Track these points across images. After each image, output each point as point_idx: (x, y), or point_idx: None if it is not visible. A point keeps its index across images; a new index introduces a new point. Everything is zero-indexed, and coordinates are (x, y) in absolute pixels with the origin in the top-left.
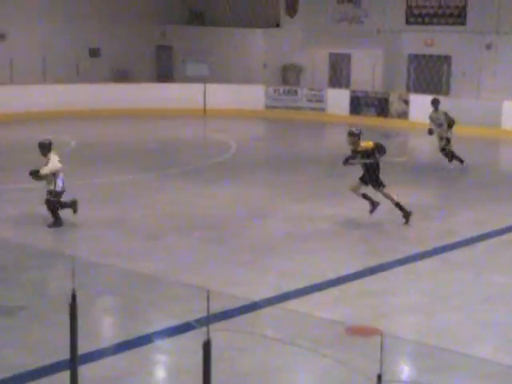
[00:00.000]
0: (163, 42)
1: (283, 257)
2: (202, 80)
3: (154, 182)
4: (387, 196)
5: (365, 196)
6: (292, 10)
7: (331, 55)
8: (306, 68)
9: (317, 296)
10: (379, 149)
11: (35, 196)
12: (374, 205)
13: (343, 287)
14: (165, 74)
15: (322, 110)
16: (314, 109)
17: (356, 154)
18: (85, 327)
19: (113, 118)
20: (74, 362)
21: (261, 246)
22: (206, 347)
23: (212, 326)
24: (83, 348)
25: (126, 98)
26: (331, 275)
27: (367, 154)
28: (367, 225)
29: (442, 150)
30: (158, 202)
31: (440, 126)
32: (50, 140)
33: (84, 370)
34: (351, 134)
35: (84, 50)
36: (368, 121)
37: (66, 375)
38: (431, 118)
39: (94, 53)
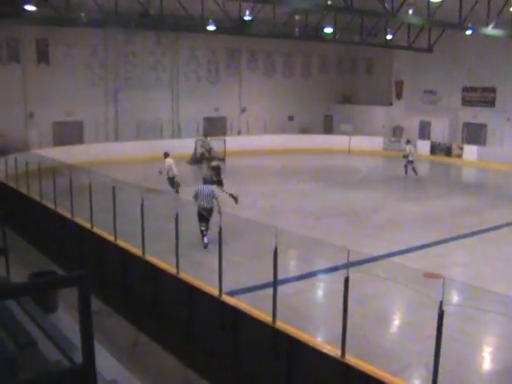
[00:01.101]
0: (328, 113)
1: (389, 232)
2: (349, 134)
3: (319, 188)
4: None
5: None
6: (399, 95)
7: (421, 121)
8: (406, 128)
9: (409, 255)
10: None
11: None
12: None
13: (423, 251)
14: (328, 130)
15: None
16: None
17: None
18: (280, 265)
19: (298, 153)
20: (275, 284)
21: (377, 226)
22: (346, 282)
23: (350, 269)
24: (280, 276)
25: (306, 143)
26: (416, 243)
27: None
28: (430, 215)
29: (405, 166)
30: (323, 199)
31: (407, 156)
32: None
33: (280, 288)
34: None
35: (285, 116)
36: (439, 159)
37: (270, 291)
38: (408, 149)
39: (291, 118)
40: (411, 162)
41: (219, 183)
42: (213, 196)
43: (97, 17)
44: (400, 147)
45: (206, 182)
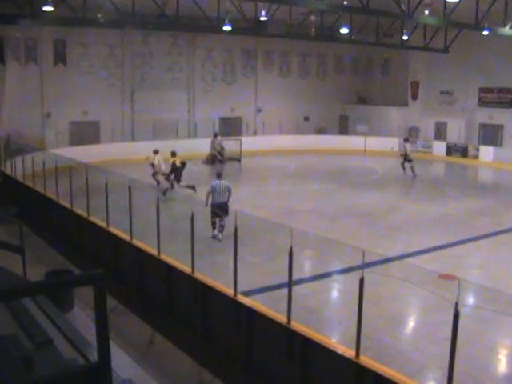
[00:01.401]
0: (343, 113)
1: (404, 234)
2: (364, 134)
3: (335, 189)
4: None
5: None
6: (415, 96)
7: (436, 122)
8: (421, 129)
9: (424, 256)
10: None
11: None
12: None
13: (438, 252)
14: (343, 130)
15: (430, 152)
16: (425, 152)
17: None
18: (295, 265)
19: (313, 153)
20: (290, 284)
21: (392, 227)
22: (361, 283)
23: (365, 270)
24: (295, 276)
25: (322, 143)
26: (431, 245)
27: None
28: (445, 216)
29: (401, 164)
30: (338, 199)
31: (405, 153)
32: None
33: (295, 288)
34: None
35: (300, 117)
36: (455, 160)
37: (284, 291)
38: (404, 147)
39: (306, 118)
40: (410, 161)
41: (178, 180)
42: (229, 189)
43: (114, 18)
44: (416, 148)
45: (219, 177)
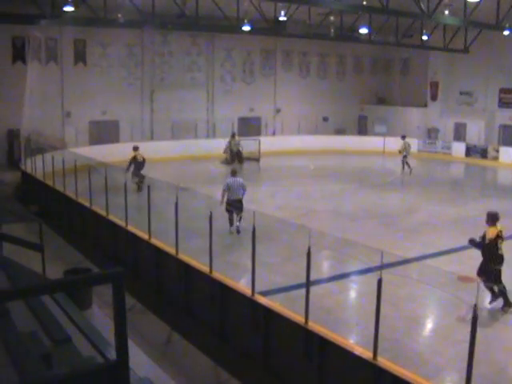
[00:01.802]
0: (362, 113)
1: (423, 235)
2: (383, 135)
3: (354, 189)
4: None
5: None
6: (434, 96)
7: (455, 123)
8: (440, 130)
9: (443, 258)
10: None
11: None
12: None
13: (457, 254)
14: (362, 131)
15: (449, 153)
16: (444, 153)
17: None
18: (313, 265)
19: (333, 154)
20: (307, 284)
21: (411, 228)
22: (379, 284)
23: (383, 271)
24: (312, 277)
25: (341, 144)
26: (450, 246)
27: None
28: (465, 218)
29: (402, 162)
30: (357, 200)
31: (402, 151)
32: None
33: (312, 289)
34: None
35: (319, 117)
36: (474, 161)
37: (302, 291)
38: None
39: (325, 119)
40: (405, 157)
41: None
42: (243, 187)
43: (133, 18)
44: (435, 149)
45: (234, 174)
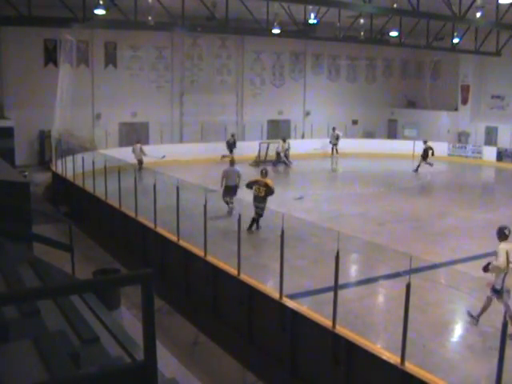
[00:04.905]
0: (392, 117)
1: (453, 240)
2: (413, 138)
3: (383, 193)
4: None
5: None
6: (465, 100)
7: (487, 127)
8: (471, 133)
9: (473, 263)
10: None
11: None
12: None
13: (486, 260)
14: (392, 134)
15: (480, 157)
16: (475, 157)
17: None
18: (341, 269)
19: (362, 157)
20: (335, 288)
21: (440, 233)
22: (408, 289)
23: (412, 276)
24: (340, 281)
25: (370, 147)
26: (480, 252)
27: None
28: (495, 223)
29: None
30: (386, 204)
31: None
32: None
33: (340, 292)
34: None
35: (349, 120)
36: (506, 166)
37: (330, 295)
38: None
39: (355, 122)
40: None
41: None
42: (238, 175)
43: (164, 20)
44: (466, 153)
45: (232, 164)
